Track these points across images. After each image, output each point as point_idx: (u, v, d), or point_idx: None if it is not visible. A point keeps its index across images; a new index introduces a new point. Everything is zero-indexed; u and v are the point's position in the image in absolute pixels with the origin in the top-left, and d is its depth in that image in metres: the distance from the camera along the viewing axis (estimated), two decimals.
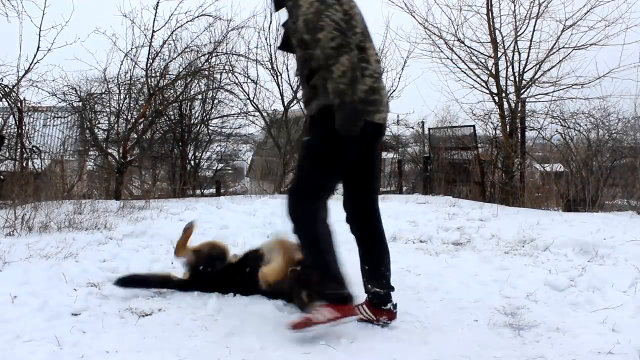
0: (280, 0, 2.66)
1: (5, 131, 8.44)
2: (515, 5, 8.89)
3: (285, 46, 2.79)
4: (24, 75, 7.95)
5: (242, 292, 3.10)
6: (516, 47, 9.01)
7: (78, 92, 9.36)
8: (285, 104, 10.67)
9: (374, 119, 2.58)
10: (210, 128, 11.93)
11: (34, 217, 4.70)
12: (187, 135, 11.42)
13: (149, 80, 9.20)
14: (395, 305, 2.74)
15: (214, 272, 3.16)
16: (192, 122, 11.56)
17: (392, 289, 2.77)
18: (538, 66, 8.93)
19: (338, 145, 2.51)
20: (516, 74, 9.12)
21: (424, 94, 14.47)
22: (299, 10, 2.48)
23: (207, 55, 9.82)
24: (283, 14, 2.74)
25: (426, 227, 5.29)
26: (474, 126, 10.44)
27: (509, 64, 9.12)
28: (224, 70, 10.22)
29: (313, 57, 2.48)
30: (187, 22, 9.15)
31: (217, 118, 11.75)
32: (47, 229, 4.55)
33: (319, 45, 2.40)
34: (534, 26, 8.81)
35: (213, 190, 12.14)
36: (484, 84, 9.29)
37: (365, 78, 2.53)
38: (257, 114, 11.02)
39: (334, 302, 2.52)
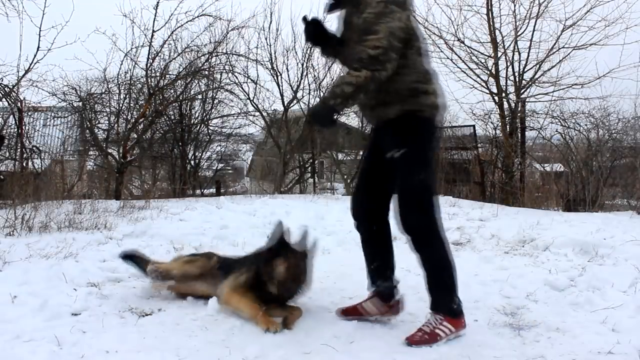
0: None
1: (5, 131, 8.43)
2: (515, 5, 8.91)
3: (319, 40, 2.72)
4: (24, 75, 7.95)
5: None
6: (516, 47, 9.03)
7: (78, 92, 9.37)
8: (285, 104, 10.68)
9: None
10: (210, 128, 11.94)
11: (34, 217, 4.70)
12: (187, 135, 11.42)
13: (149, 80, 9.19)
14: (400, 299, 2.79)
15: None
16: (192, 122, 11.57)
17: (397, 282, 2.83)
18: (538, 66, 8.94)
19: (433, 147, 2.64)
20: (516, 74, 9.13)
21: None
22: (365, 7, 2.43)
23: (207, 55, 9.82)
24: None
25: None
26: (474, 126, 10.46)
27: (509, 64, 9.13)
28: (224, 70, 10.23)
29: None
30: (187, 22, 9.15)
31: (217, 118, 11.77)
32: (47, 229, 4.54)
33: (364, 45, 2.37)
34: (534, 26, 8.83)
35: (213, 190, 12.16)
36: (484, 84, 9.30)
37: (435, 84, 2.59)
38: (257, 114, 11.04)
39: (452, 315, 2.53)
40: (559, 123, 8.93)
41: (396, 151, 2.53)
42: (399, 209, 2.59)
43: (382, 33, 2.36)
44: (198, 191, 11.58)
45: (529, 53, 8.97)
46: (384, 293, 2.76)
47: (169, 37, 9.16)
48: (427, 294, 2.63)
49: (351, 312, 2.80)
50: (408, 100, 2.50)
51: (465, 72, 9.38)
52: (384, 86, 2.45)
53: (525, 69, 9.05)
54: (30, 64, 7.85)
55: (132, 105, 9.73)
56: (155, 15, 8.77)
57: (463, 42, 9.27)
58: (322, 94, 10.53)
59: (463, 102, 9.94)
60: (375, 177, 2.72)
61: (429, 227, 2.53)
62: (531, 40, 8.88)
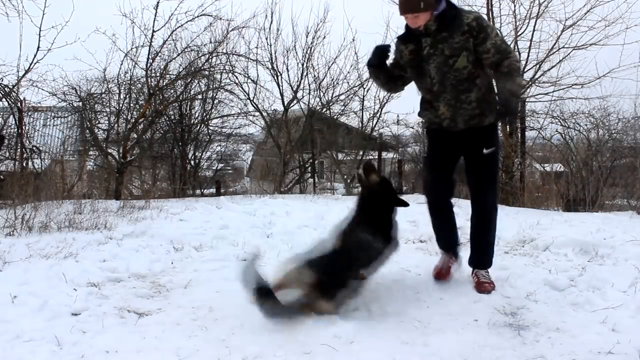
0: (447, 26, 3.10)
1: (5, 131, 8.43)
2: (515, 5, 8.88)
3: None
4: (24, 75, 7.95)
5: None
6: (516, 47, 9.00)
7: (78, 92, 9.35)
8: (285, 104, 10.68)
9: None
10: (210, 128, 11.94)
11: (34, 217, 4.70)
12: (187, 135, 11.43)
13: (149, 80, 9.19)
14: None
15: None
16: (192, 122, 11.57)
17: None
18: (538, 66, 8.92)
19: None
20: None
21: None
22: (487, 37, 3.07)
23: (207, 55, 9.81)
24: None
25: (426, 227, 5.24)
26: None
27: None
28: (224, 70, 10.22)
29: (480, 76, 3.18)
30: (187, 22, 9.13)
31: (217, 118, 11.76)
32: (47, 229, 4.54)
33: (510, 57, 3.10)
34: (534, 26, 8.80)
35: (213, 190, 12.14)
36: None
37: None
38: (257, 114, 11.04)
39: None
40: (559, 123, 8.94)
41: (488, 150, 3.34)
42: (481, 187, 3.47)
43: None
44: (198, 191, 11.58)
45: (529, 53, 8.96)
46: (456, 254, 3.66)
47: (169, 37, 9.16)
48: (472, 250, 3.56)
49: (446, 274, 3.56)
50: (494, 112, 3.26)
51: None
52: (486, 97, 3.22)
53: (525, 69, 9.03)
54: (30, 64, 7.86)
55: (132, 105, 9.73)
56: (155, 15, 8.76)
57: None
58: (321, 92, 10.54)
59: None
60: (448, 168, 3.54)
61: (495, 204, 3.55)
62: (531, 40, 8.87)
